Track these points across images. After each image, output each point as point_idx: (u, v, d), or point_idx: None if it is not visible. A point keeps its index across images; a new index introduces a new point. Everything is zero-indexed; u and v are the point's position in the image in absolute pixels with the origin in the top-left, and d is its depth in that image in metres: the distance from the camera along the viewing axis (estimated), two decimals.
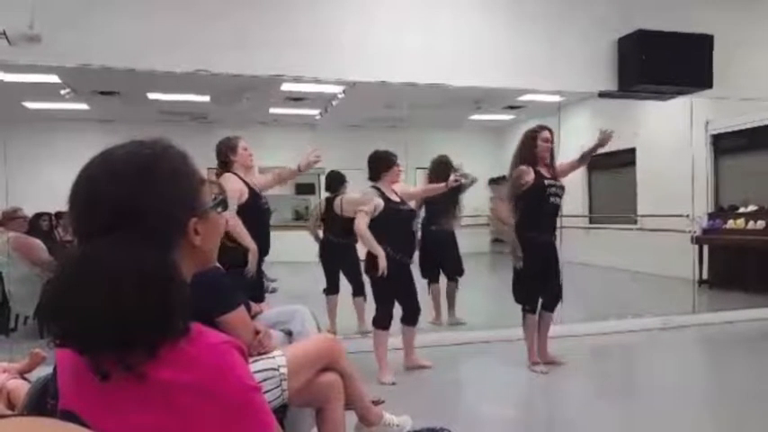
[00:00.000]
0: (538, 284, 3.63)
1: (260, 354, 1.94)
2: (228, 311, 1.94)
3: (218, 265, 2.04)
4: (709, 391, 3.68)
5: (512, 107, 10.25)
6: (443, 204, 4.79)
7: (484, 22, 4.72)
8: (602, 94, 5.00)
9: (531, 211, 3.56)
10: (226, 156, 3.38)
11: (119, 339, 0.67)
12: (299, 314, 2.55)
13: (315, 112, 9.77)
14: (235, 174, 3.31)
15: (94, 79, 5.98)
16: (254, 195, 3.30)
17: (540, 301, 3.70)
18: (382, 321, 3.58)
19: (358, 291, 4.70)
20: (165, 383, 0.69)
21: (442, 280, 5.05)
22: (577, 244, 9.56)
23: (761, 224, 6.50)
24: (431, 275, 4.97)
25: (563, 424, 3.10)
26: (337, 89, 7.75)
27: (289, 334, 2.46)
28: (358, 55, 4.43)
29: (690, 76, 4.76)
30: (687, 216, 6.53)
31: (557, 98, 8.79)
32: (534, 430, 3.03)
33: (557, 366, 3.76)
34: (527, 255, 3.53)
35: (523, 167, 3.60)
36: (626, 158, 8.99)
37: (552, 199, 3.65)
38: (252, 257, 3.12)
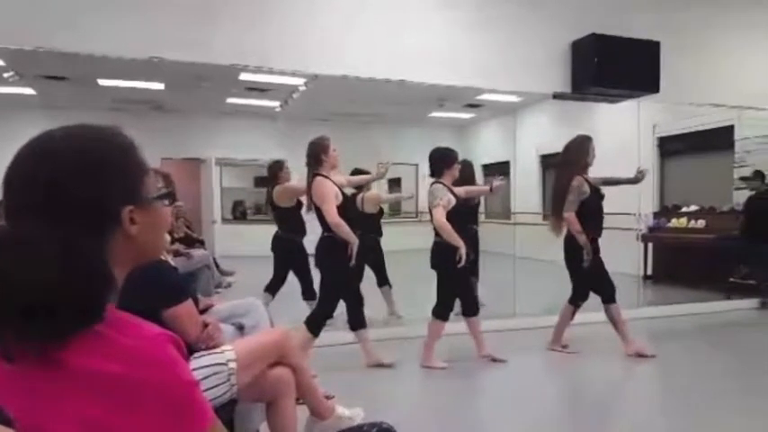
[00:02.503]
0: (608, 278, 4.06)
1: (209, 348, 1.93)
2: (174, 305, 1.91)
3: (163, 257, 2.00)
4: (653, 381, 3.87)
5: (472, 105, 10.40)
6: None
7: (444, 21, 4.77)
8: (557, 96, 5.14)
9: (591, 216, 3.93)
10: (318, 156, 3.61)
11: (21, 317, 0.66)
12: (253, 308, 2.54)
13: (275, 103, 9.61)
14: (326, 177, 3.58)
15: (41, 63, 5.70)
16: (345, 194, 3.64)
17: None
18: (472, 309, 3.87)
19: (383, 281, 5.11)
20: (92, 372, 0.68)
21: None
22: (530, 240, 9.82)
23: (701, 223, 6.86)
24: None
25: (518, 415, 3.20)
26: (299, 81, 7.64)
27: (241, 328, 2.44)
28: (320, 47, 4.40)
29: (638, 80, 4.94)
30: (634, 215, 6.81)
31: (514, 98, 8.98)
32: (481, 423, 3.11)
33: (497, 363, 3.92)
34: (596, 255, 3.93)
35: (580, 178, 3.93)
36: None
37: (602, 203, 4.07)
38: (354, 249, 3.49)
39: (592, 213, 3.93)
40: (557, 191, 4.03)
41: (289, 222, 4.59)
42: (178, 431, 0.71)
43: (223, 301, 2.74)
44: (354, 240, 3.48)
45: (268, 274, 4.72)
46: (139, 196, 0.81)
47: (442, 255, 3.64)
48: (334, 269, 3.55)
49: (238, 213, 12.07)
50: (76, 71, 6.47)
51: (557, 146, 11.11)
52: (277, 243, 4.67)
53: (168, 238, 5.64)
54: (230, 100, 8.97)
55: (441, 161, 3.79)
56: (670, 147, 7.73)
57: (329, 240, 3.54)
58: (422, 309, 4.17)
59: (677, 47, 5.20)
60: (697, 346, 4.62)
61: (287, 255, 4.60)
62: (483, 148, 11.70)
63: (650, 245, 7.29)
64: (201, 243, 6.53)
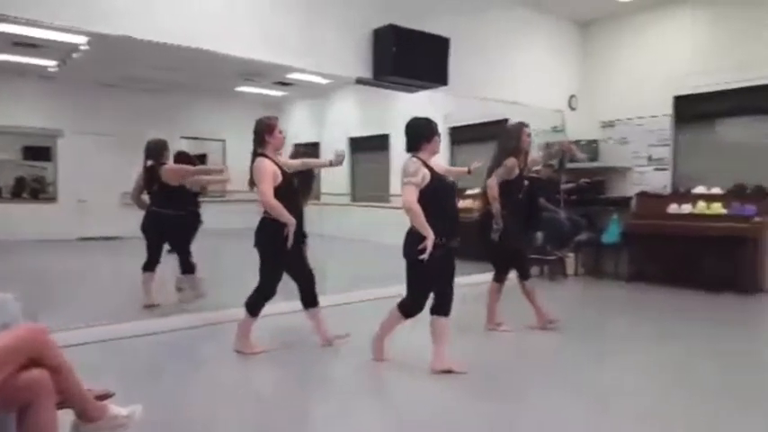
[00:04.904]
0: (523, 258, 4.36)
1: None
2: None
3: None
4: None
5: (283, 84, 10.26)
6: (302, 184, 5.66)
7: None
8: (359, 81, 5.32)
9: (510, 197, 4.09)
10: (262, 135, 3.62)
11: None
12: (1, 305, 2.16)
13: (51, 62, 8.28)
14: (267, 156, 3.58)
15: None
16: (285, 175, 3.61)
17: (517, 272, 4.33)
18: (411, 310, 3.31)
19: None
20: None
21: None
22: (339, 220, 10.19)
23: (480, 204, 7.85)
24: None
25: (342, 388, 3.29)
26: (80, 39, 6.69)
27: None
28: (102, 2, 3.88)
29: (430, 73, 5.38)
30: None
31: (322, 80, 9.08)
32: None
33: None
34: (507, 233, 4.09)
35: (514, 160, 4.08)
36: (382, 143, 9.92)
37: (522, 192, 4.18)
38: (291, 230, 3.49)
39: (511, 196, 4.08)
40: (490, 172, 4.15)
41: (173, 200, 4.78)
42: None
43: None
44: (291, 221, 3.47)
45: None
46: None
47: (413, 243, 3.10)
48: (272, 250, 3.57)
49: (28, 191, 10.27)
50: None
51: (364, 130, 11.68)
52: (156, 219, 4.79)
53: None
54: None
55: (419, 134, 3.23)
56: (459, 136, 8.69)
57: (266, 221, 3.57)
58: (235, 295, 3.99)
59: (463, 44, 5.78)
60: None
61: (168, 229, 4.80)
62: (295, 127, 11.66)
63: None
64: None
